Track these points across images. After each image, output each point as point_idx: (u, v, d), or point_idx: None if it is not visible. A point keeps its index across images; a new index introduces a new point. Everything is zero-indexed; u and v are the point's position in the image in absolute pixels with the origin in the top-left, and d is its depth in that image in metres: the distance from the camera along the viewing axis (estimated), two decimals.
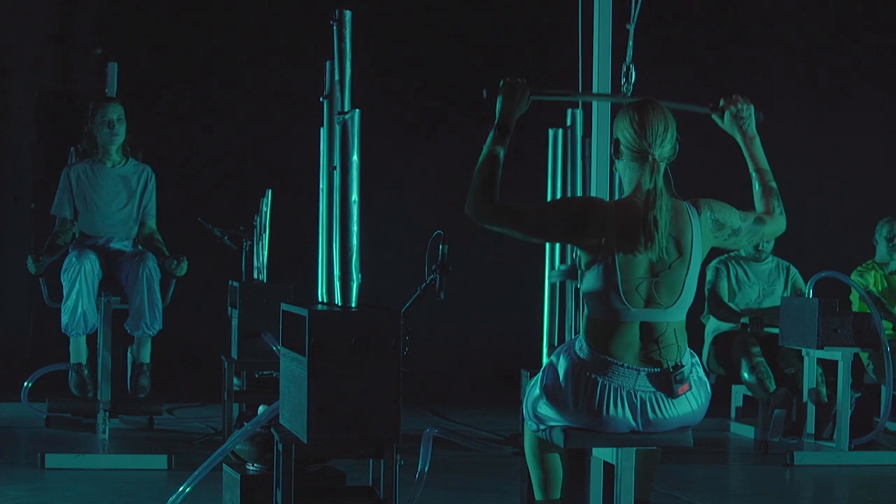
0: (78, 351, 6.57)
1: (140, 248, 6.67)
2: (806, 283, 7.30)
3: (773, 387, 7.48)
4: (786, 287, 8.01)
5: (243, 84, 9.87)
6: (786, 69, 10.13)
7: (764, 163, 4.16)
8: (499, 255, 9.33)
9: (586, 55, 4.37)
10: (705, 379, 4.04)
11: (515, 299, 9.32)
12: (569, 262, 4.91)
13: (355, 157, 4.29)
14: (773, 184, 4.16)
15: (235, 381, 7.14)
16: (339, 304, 4.29)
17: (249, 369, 7.22)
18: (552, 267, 4.95)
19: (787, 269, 8.06)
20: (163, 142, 8.58)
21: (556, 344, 4.87)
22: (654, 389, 3.92)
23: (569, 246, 4.98)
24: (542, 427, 4.07)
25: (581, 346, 3.96)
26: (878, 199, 9.67)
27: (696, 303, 4.12)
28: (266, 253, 7.42)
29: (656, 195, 3.91)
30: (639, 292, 3.90)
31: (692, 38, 10.11)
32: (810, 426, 7.20)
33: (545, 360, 4.56)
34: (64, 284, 6.39)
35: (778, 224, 4.16)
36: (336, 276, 4.30)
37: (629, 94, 4.20)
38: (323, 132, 4.38)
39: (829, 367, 7.28)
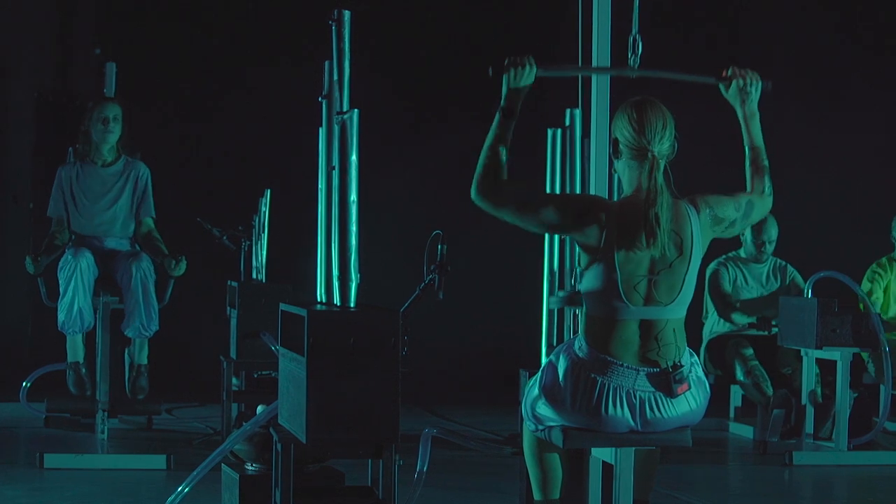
0: (75, 349, 6.56)
1: (137, 247, 6.66)
2: (805, 283, 7.30)
3: (769, 390, 7.46)
4: (784, 287, 7.99)
5: (242, 84, 9.86)
6: (785, 68, 10.13)
7: (760, 140, 4.15)
8: (498, 255, 9.33)
9: (586, 33, 4.35)
10: (704, 378, 4.04)
11: (514, 299, 9.31)
12: (568, 288, 4.90)
13: (354, 157, 4.29)
14: (766, 162, 4.14)
15: (234, 381, 7.14)
16: (338, 304, 4.29)
17: (248, 369, 7.22)
18: (551, 293, 4.94)
19: (785, 268, 8.05)
20: (161, 142, 8.57)
21: (554, 344, 4.86)
22: (653, 389, 3.91)
23: (567, 270, 4.97)
24: (540, 427, 4.07)
25: (580, 346, 3.96)
26: (877, 199, 9.67)
27: (695, 303, 4.12)
28: (265, 253, 7.43)
29: (657, 192, 3.91)
30: (638, 290, 3.90)
31: (692, 38, 10.11)
32: (809, 426, 7.20)
33: (544, 359, 4.55)
34: (60, 282, 6.39)
35: (765, 204, 4.15)
36: (335, 276, 4.29)
37: (636, 66, 4.14)
38: (322, 132, 4.38)
39: (825, 367, 7.27)
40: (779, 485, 6.55)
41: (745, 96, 4.12)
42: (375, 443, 4.15)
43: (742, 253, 7.98)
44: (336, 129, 4.31)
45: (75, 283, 6.33)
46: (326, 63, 4.33)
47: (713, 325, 7.96)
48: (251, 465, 4.91)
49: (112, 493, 5.72)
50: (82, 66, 9.85)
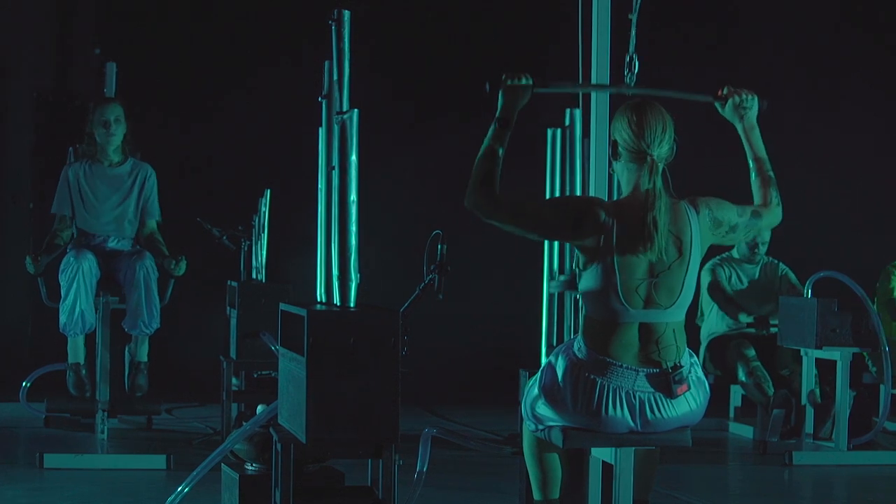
0: (76, 351, 6.56)
1: (139, 247, 6.67)
2: (804, 283, 7.30)
3: (771, 390, 7.47)
4: (777, 286, 8.01)
5: (242, 84, 9.86)
6: (785, 68, 10.13)
7: (762, 152, 4.16)
8: (498, 255, 9.32)
9: (586, 49, 4.36)
10: (704, 379, 4.04)
11: (514, 299, 9.31)
12: (568, 272, 4.91)
13: (354, 157, 4.30)
14: (771, 173, 4.15)
15: (234, 380, 7.14)
16: (338, 304, 4.29)
17: (248, 369, 7.22)
18: (552, 277, 4.95)
19: (776, 266, 8.07)
20: (161, 141, 8.56)
21: (554, 344, 4.87)
22: (652, 390, 3.91)
23: (567, 256, 4.98)
24: (540, 427, 4.07)
25: (580, 347, 3.96)
26: (877, 199, 9.68)
27: (693, 304, 4.12)
28: (265, 253, 7.42)
29: (655, 196, 3.90)
30: (638, 293, 3.90)
31: (691, 38, 10.11)
32: (809, 426, 7.20)
33: (544, 360, 4.56)
34: (62, 284, 6.39)
35: (774, 216, 4.16)
36: (335, 276, 4.30)
37: (633, 84, 4.16)
38: (321, 132, 4.38)
39: (823, 367, 7.27)
40: (779, 485, 6.55)
41: (743, 112, 4.13)
42: (375, 443, 4.15)
43: (735, 254, 8.04)
44: (336, 129, 4.31)
45: (77, 285, 6.33)
46: (326, 63, 4.33)
47: (712, 325, 7.97)
48: (251, 465, 4.91)
49: (112, 493, 5.73)
50: (82, 66, 9.84)
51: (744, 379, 7.58)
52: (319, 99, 4.35)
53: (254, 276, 7.44)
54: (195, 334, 9.12)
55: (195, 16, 10.01)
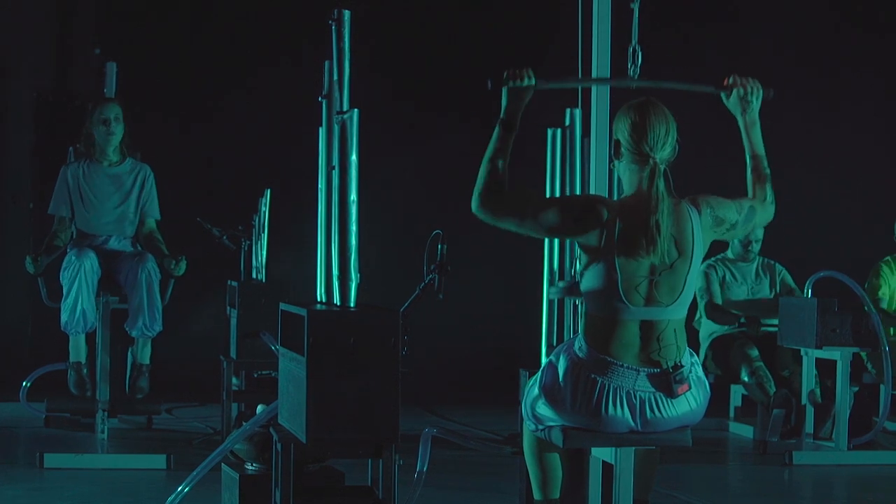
0: (77, 349, 6.57)
1: (139, 247, 6.67)
2: (804, 283, 7.29)
3: (773, 389, 7.47)
4: (773, 285, 8.01)
5: (242, 84, 9.86)
6: (785, 68, 10.13)
7: (760, 148, 4.15)
8: (498, 255, 9.32)
9: (586, 43, 4.35)
10: (704, 378, 4.04)
11: (514, 299, 9.31)
12: (568, 278, 4.91)
13: (354, 157, 4.30)
14: (767, 170, 4.14)
15: (234, 380, 7.14)
16: (338, 303, 4.29)
17: (248, 369, 7.22)
18: (552, 283, 4.94)
19: (773, 266, 8.07)
20: (161, 141, 8.57)
21: (554, 344, 4.86)
22: (653, 389, 3.91)
23: (567, 260, 4.97)
24: (540, 427, 4.07)
25: (580, 346, 3.96)
26: (877, 199, 9.67)
27: (692, 305, 4.12)
28: (265, 253, 7.42)
29: (658, 199, 3.90)
30: (639, 291, 3.90)
31: (691, 38, 10.11)
32: (809, 426, 7.20)
33: (544, 359, 4.55)
34: (63, 283, 6.39)
35: (767, 212, 4.16)
36: (335, 276, 4.30)
37: (636, 76, 4.13)
38: (322, 132, 4.38)
39: (823, 367, 7.27)
40: (779, 485, 6.55)
41: (747, 105, 4.11)
42: (375, 443, 4.15)
43: (730, 254, 8.05)
44: (336, 128, 4.31)
45: (79, 283, 6.33)
46: (326, 63, 4.33)
47: (712, 325, 7.97)
48: (251, 465, 4.91)
49: (112, 493, 5.72)
50: (82, 66, 9.85)
51: (746, 379, 7.59)
52: (319, 99, 4.35)
53: (254, 276, 7.44)
54: (195, 334, 9.12)
55: (195, 16, 10.02)
